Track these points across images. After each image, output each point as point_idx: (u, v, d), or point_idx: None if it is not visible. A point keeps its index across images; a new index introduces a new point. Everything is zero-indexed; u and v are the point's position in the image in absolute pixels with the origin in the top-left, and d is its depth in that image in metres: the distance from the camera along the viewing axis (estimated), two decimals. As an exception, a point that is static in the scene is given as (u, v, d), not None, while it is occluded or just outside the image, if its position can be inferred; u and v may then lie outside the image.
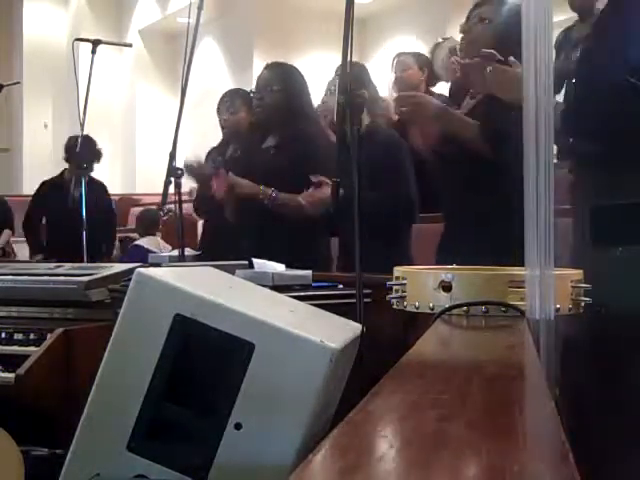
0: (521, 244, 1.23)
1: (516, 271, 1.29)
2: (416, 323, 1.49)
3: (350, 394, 1.51)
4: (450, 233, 2.53)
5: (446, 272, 1.30)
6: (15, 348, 2.38)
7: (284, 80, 3.24)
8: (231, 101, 3.95)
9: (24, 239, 5.86)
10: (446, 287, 1.27)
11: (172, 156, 2.95)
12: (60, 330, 2.33)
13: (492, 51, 2.14)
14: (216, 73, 10.06)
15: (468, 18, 2.52)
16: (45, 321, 2.49)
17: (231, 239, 3.28)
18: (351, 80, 1.83)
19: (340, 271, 2.92)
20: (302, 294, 1.97)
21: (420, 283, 1.32)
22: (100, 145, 5.42)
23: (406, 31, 9.00)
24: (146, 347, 1.36)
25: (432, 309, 1.28)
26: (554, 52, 2.85)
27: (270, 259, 2.29)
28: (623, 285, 1.70)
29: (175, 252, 3.04)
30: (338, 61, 1.88)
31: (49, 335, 2.33)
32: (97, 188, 5.37)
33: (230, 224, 3.33)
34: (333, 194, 1.88)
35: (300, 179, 3.02)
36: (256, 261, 2.29)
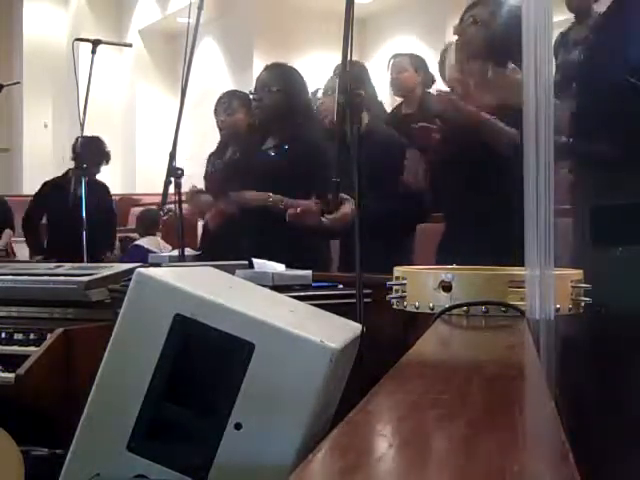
0: (521, 244, 1.23)
1: (516, 271, 1.30)
2: (416, 323, 1.49)
3: (350, 394, 1.51)
4: (450, 233, 2.53)
5: (446, 272, 1.30)
6: (15, 348, 2.38)
7: (283, 81, 3.24)
8: (228, 102, 3.95)
9: (24, 239, 5.85)
10: (446, 287, 1.27)
11: (172, 156, 2.95)
12: (60, 330, 2.33)
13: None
14: (216, 73, 10.06)
15: (462, 20, 2.47)
16: (45, 321, 2.49)
17: (231, 239, 3.27)
18: (351, 80, 1.83)
19: (342, 271, 2.91)
20: (302, 294, 1.97)
21: (420, 283, 1.32)
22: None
23: (406, 31, 9.00)
24: (146, 347, 1.36)
25: (432, 309, 1.28)
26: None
27: (270, 259, 2.29)
28: (623, 285, 1.71)
29: (175, 252, 3.04)
30: (338, 61, 1.88)
31: (49, 335, 2.33)
32: (100, 189, 5.37)
33: (230, 224, 3.33)
34: (334, 195, 1.88)
35: (300, 180, 3.02)
36: (256, 261, 2.29)
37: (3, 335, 2.44)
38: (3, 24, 11.56)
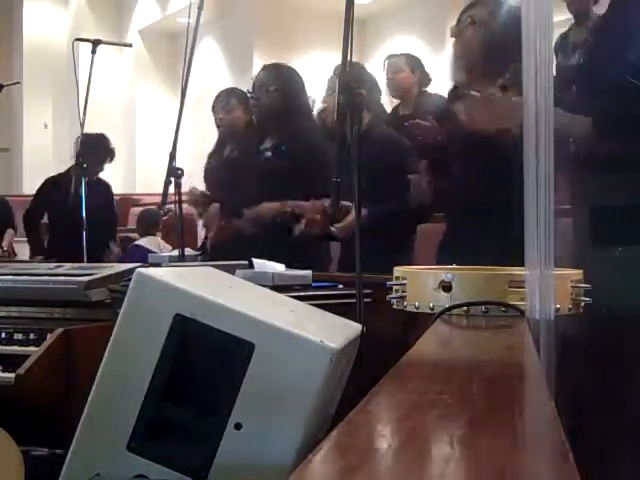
0: (521, 244, 1.23)
1: (516, 271, 1.30)
2: (416, 323, 1.49)
3: (350, 394, 1.51)
4: (450, 233, 2.53)
5: (446, 272, 1.30)
6: (15, 348, 2.38)
7: (281, 81, 3.24)
8: (226, 100, 3.94)
9: (25, 239, 5.85)
10: (446, 287, 1.27)
11: (172, 156, 2.95)
12: (60, 330, 2.33)
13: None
14: (216, 73, 10.05)
15: (459, 20, 2.43)
16: (45, 321, 2.49)
17: (234, 244, 3.26)
18: (351, 80, 1.82)
19: (342, 271, 2.91)
20: (302, 294, 1.97)
21: (420, 283, 1.32)
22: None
23: (406, 31, 9.00)
24: (146, 347, 1.36)
25: (432, 309, 1.28)
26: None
27: (270, 259, 2.29)
28: (623, 285, 1.71)
29: (175, 252, 3.04)
30: (338, 61, 1.88)
31: (49, 335, 2.33)
32: (103, 189, 5.35)
33: (236, 236, 3.32)
34: (334, 196, 1.88)
35: (299, 181, 3.01)
36: (256, 261, 2.29)
37: (3, 335, 2.44)
38: (3, 24, 11.56)
